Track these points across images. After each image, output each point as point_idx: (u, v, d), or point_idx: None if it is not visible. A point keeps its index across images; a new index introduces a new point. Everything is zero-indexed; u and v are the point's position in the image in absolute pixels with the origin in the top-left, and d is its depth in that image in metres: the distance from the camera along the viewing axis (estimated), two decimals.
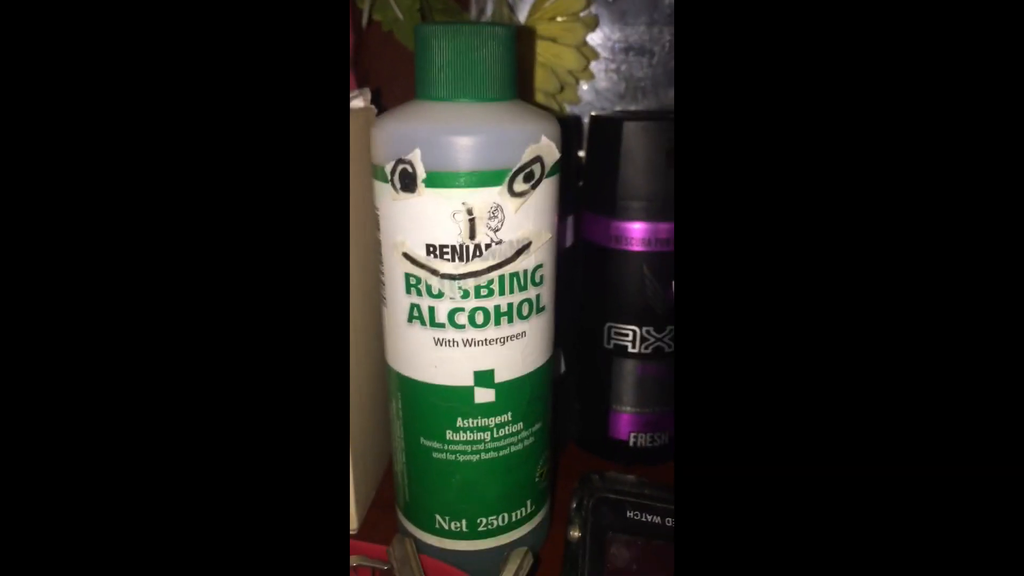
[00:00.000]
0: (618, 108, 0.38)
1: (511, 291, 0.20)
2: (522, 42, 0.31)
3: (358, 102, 0.24)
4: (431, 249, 0.19)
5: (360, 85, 0.31)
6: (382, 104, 0.26)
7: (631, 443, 0.30)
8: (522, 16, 0.34)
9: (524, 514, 0.23)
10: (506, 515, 0.22)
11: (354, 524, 0.25)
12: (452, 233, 0.19)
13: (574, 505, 0.23)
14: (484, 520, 0.22)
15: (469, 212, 0.18)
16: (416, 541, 0.22)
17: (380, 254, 0.20)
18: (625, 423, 0.30)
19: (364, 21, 0.28)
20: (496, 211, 0.19)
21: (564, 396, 0.30)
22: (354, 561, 0.21)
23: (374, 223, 0.20)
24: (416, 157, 0.18)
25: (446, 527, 0.22)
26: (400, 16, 0.27)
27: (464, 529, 0.22)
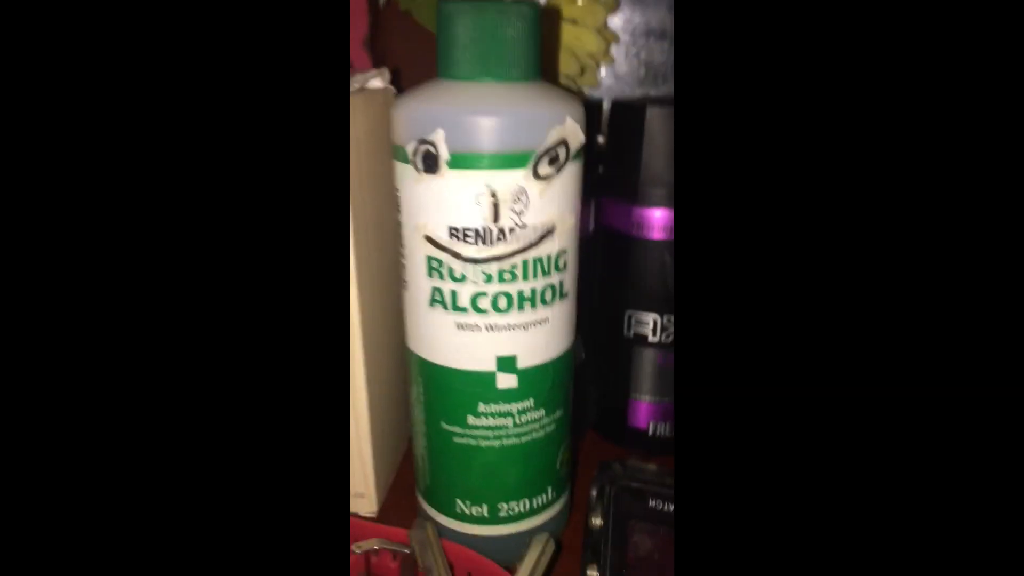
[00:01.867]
0: (638, 93, 0.37)
1: (535, 276, 0.19)
2: (544, 22, 0.30)
3: (376, 82, 0.24)
4: (454, 232, 0.19)
5: (377, 65, 0.31)
6: (400, 85, 0.26)
7: (650, 432, 0.30)
8: None
9: (545, 501, 0.23)
10: (527, 501, 0.22)
11: (373, 507, 0.25)
12: (476, 216, 0.18)
13: (595, 493, 0.22)
14: (505, 506, 0.22)
15: (493, 195, 0.18)
16: (437, 525, 0.22)
17: (401, 236, 0.20)
18: (644, 412, 0.30)
19: (382, 1, 0.28)
20: (520, 194, 0.18)
21: (583, 384, 0.30)
22: (375, 544, 0.21)
23: (394, 205, 0.20)
24: (439, 138, 0.18)
25: (467, 512, 0.22)
26: None
27: (485, 514, 0.22)
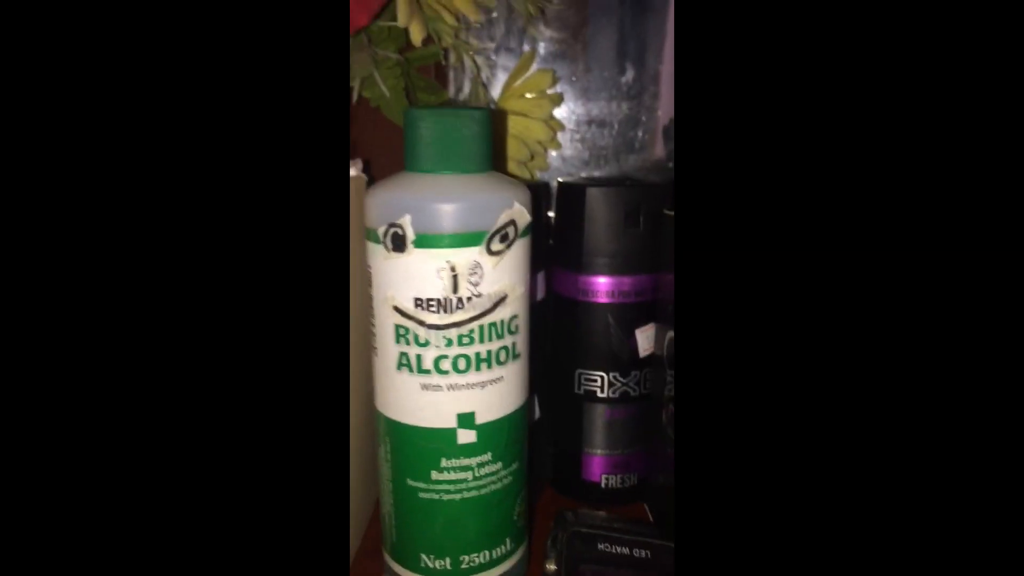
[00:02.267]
0: (583, 173, 0.41)
1: (490, 339, 0.22)
2: (496, 117, 0.34)
3: (352, 171, 0.27)
4: (419, 302, 0.21)
5: (350, 155, 0.34)
6: (371, 173, 0.29)
7: (603, 484, 0.32)
8: (495, 92, 0.37)
9: (504, 551, 0.24)
10: (487, 552, 0.23)
11: None
12: (437, 288, 0.21)
13: (550, 540, 0.24)
14: (467, 558, 0.23)
15: (452, 269, 0.21)
16: None
17: (372, 308, 0.23)
18: (597, 465, 0.32)
19: (354, 98, 0.31)
20: (476, 268, 0.21)
21: (539, 440, 0.32)
22: None
23: (366, 280, 0.23)
24: (407, 221, 0.20)
25: (431, 566, 0.23)
26: (387, 94, 0.31)
27: (448, 567, 0.23)
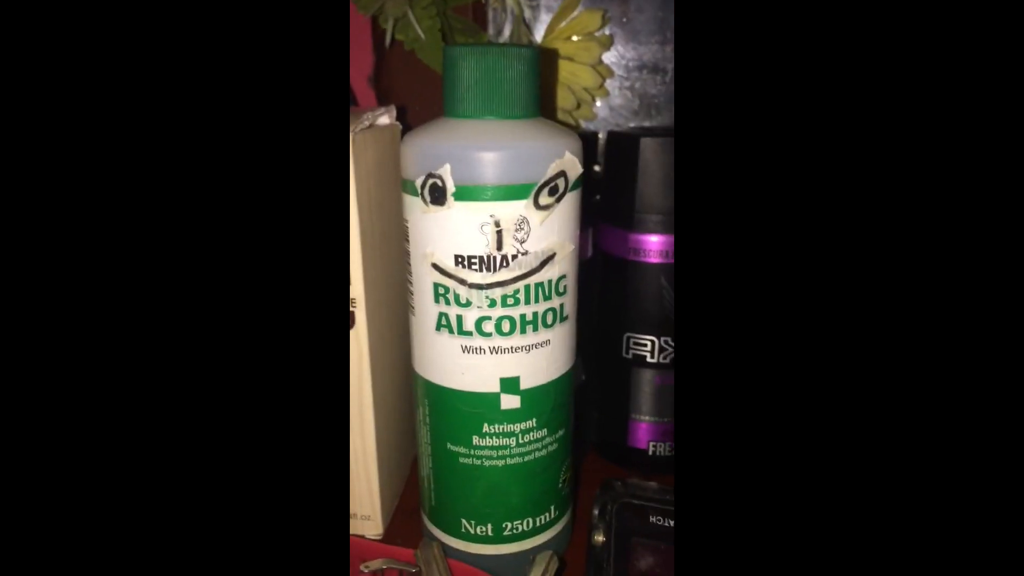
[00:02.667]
0: (632, 124, 0.39)
1: (536, 300, 0.20)
2: (542, 61, 0.32)
3: (384, 119, 0.25)
4: (459, 260, 0.20)
5: (382, 101, 0.32)
6: (405, 121, 0.27)
7: (650, 452, 0.30)
8: (538, 35, 0.35)
9: (548, 519, 0.23)
10: (531, 520, 0.23)
11: (379, 529, 0.26)
12: (480, 244, 0.19)
13: (597, 511, 0.23)
14: (509, 525, 0.22)
15: (497, 224, 0.19)
16: (442, 545, 0.23)
17: (409, 264, 0.21)
18: (644, 432, 0.30)
19: (387, 41, 0.29)
20: (522, 223, 0.19)
21: (584, 405, 0.31)
22: (382, 564, 0.22)
23: (402, 235, 0.21)
24: (446, 172, 0.19)
25: (472, 531, 0.22)
26: (422, 36, 0.28)
27: (490, 533, 0.22)
